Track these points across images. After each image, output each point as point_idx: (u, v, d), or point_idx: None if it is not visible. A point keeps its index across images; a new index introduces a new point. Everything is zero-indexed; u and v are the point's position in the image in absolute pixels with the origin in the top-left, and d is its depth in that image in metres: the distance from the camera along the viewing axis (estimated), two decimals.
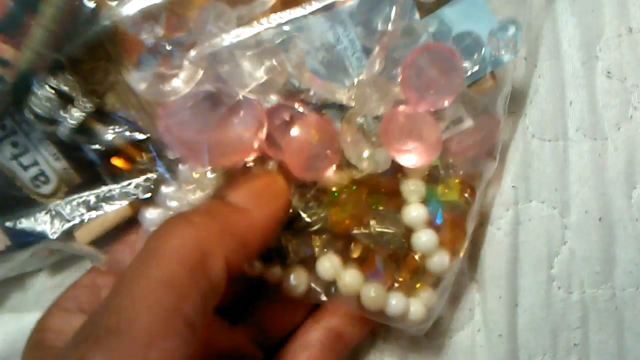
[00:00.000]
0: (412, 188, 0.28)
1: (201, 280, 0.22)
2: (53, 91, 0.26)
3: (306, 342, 0.29)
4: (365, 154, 0.27)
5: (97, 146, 0.28)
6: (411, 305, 0.29)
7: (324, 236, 0.28)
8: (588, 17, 0.34)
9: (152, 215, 0.27)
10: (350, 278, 0.28)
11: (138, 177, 0.28)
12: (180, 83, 0.24)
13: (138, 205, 0.28)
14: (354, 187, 0.28)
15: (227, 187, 0.26)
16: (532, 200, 0.32)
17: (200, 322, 0.21)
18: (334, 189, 0.28)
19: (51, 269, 0.33)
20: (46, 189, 0.28)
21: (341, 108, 0.28)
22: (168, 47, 0.25)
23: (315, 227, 0.28)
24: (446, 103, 0.26)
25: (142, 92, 0.25)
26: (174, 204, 0.27)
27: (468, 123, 0.28)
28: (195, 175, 0.27)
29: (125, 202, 0.28)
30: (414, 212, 0.28)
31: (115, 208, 0.28)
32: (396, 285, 0.29)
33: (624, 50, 0.33)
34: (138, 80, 0.25)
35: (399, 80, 0.27)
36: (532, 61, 0.33)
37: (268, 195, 0.26)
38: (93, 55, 0.27)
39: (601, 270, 0.32)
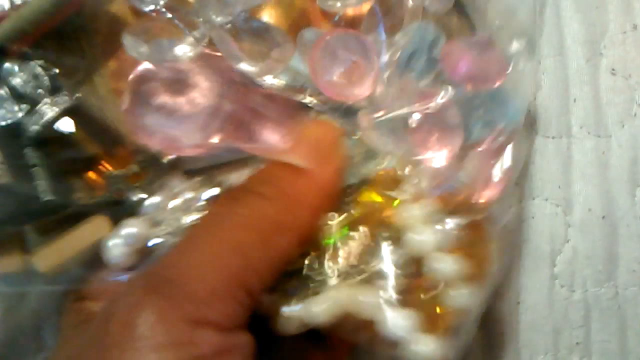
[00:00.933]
0: (417, 212, 0.24)
1: (272, 252, 0.22)
2: (43, 70, 0.24)
3: None
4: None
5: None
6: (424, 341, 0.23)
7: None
8: (592, 14, 0.33)
9: (134, 227, 0.24)
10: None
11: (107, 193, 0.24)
12: (184, 49, 0.23)
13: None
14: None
15: (282, 143, 0.25)
16: (535, 198, 0.32)
17: (259, 293, 0.21)
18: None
19: None
20: None
21: (348, 111, 0.26)
22: (169, 15, 0.23)
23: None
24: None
25: (140, 55, 0.23)
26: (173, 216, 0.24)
27: None
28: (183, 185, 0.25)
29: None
30: (420, 236, 0.23)
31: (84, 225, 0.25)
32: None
33: (628, 48, 0.33)
34: (135, 44, 0.23)
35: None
36: (536, 57, 0.33)
37: (328, 149, 0.24)
38: (66, 48, 0.25)
39: (604, 268, 0.32)
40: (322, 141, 0.25)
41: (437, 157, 0.25)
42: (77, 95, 0.24)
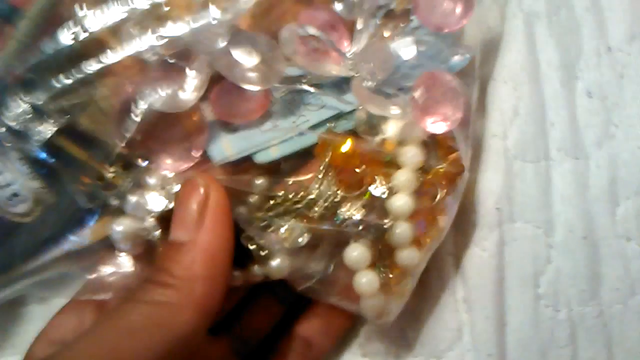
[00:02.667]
0: (410, 155, 0.29)
1: (169, 341, 0.22)
2: (27, 104, 0.27)
3: (282, 351, 0.31)
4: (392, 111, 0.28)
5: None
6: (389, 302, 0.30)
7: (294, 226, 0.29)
8: (566, 38, 0.34)
9: (120, 226, 0.28)
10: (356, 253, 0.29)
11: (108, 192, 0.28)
12: (189, 93, 0.27)
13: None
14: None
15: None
16: (516, 221, 0.33)
17: None
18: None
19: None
20: (21, 208, 0.28)
21: (339, 87, 0.29)
22: (171, 61, 0.27)
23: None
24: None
25: (157, 107, 0.26)
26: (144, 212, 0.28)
27: None
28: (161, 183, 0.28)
29: None
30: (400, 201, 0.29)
31: None
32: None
33: (603, 70, 0.34)
34: (152, 99, 0.26)
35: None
36: (512, 84, 0.34)
37: (198, 212, 0.25)
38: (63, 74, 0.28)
39: (588, 287, 0.32)
40: (188, 203, 0.25)
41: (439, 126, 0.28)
42: (66, 116, 0.28)
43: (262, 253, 0.29)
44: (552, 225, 0.33)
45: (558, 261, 0.32)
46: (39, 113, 0.27)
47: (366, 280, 0.29)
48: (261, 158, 0.28)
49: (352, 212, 0.29)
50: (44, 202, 0.28)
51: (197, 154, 0.28)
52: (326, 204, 0.29)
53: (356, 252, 0.29)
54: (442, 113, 0.28)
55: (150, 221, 0.28)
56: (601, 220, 0.32)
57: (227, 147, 0.29)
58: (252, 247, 0.28)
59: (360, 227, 0.29)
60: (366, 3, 0.29)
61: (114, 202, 0.28)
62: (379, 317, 0.30)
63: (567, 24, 0.34)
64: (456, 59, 0.30)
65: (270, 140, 0.29)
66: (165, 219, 0.28)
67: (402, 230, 0.29)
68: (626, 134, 0.33)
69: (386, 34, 0.31)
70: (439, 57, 0.30)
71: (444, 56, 0.30)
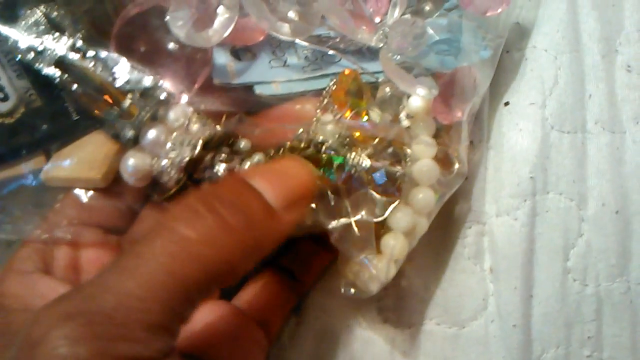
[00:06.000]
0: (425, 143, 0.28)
1: (210, 280, 0.21)
2: (44, 16, 0.26)
3: (265, 279, 0.31)
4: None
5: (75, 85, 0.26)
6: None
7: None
8: (609, 11, 0.34)
9: (132, 159, 0.26)
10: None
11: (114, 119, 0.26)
12: (217, 28, 0.26)
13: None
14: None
15: (257, 168, 0.25)
16: (549, 192, 0.32)
17: (189, 315, 0.21)
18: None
19: None
20: (2, 107, 0.27)
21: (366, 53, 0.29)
22: None
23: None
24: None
25: (182, 38, 0.26)
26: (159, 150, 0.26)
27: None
28: (182, 120, 0.27)
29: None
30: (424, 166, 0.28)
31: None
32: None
33: None
34: (177, 26, 0.25)
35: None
36: (552, 53, 0.33)
37: (301, 197, 0.24)
38: None
39: (617, 263, 0.32)
40: (299, 186, 0.24)
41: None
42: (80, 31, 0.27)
43: None
44: (585, 198, 0.32)
45: (589, 235, 0.32)
46: (54, 27, 0.26)
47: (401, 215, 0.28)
48: (262, 90, 0.28)
49: (362, 157, 0.27)
50: (28, 104, 0.27)
51: (197, 85, 0.28)
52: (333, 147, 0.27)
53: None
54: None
55: (166, 162, 0.26)
56: (635, 196, 0.32)
57: (232, 73, 0.29)
58: None
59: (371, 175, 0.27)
60: None
61: (129, 132, 0.26)
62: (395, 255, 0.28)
63: None
64: (484, 49, 0.30)
65: (276, 77, 0.29)
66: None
67: (428, 167, 0.28)
68: None
69: (426, 8, 0.30)
70: (469, 43, 0.30)
71: (474, 43, 0.30)
